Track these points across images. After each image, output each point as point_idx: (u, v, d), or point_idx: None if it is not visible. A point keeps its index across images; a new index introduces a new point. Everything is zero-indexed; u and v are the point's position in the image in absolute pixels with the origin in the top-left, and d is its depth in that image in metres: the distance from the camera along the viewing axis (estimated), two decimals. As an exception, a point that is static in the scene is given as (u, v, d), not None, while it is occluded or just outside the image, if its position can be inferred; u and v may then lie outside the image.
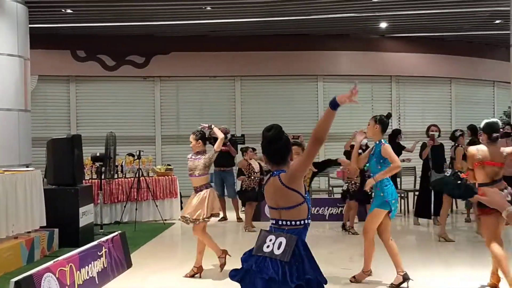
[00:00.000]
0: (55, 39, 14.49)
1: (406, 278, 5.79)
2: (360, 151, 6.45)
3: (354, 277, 6.13)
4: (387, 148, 5.77)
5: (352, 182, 9.29)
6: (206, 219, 6.33)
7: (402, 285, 5.80)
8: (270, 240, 3.19)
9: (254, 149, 10.15)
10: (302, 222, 3.22)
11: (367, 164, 6.10)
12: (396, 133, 10.81)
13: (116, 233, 6.47)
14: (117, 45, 14.77)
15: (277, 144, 3.27)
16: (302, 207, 3.20)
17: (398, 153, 10.81)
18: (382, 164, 5.80)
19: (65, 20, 13.16)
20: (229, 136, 10.92)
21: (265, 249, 3.18)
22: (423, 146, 9.63)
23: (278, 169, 3.28)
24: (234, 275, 3.31)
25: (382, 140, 5.91)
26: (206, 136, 6.78)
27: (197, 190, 6.41)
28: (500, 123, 6.01)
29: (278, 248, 3.13)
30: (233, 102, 15.50)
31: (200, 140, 6.51)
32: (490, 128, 5.57)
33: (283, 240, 3.15)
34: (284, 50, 15.19)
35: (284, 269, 3.08)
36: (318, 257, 3.26)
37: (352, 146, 10.10)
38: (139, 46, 14.88)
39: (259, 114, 15.30)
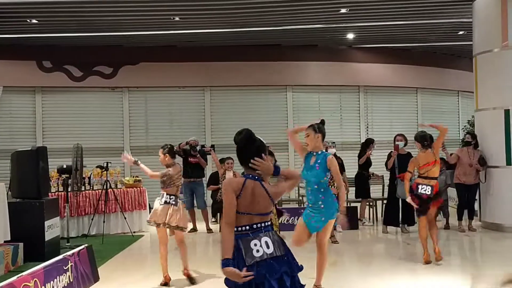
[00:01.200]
0: (21, 49, 14.26)
1: None
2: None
3: None
4: (333, 160, 5.63)
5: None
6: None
7: None
8: (255, 245, 3.23)
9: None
10: (270, 220, 3.42)
11: (304, 172, 5.75)
12: (369, 142, 10.97)
13: (82, 246, 6.35)
14: (84, 55, 14.61)
15: (247, 148, 3.36)
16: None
17: (369, 164, 11.00)
18: (320, 174, 5.63)
19: (30, 30, 12.96)
20: (198, 147, 10.88)
21: (256, 254, 3.21)
22: (389, 156, 9.78)
23: (253, 173, 3.35)
24: None
25: (324, 150, 5.80)
26: (175, 149, 6.76)
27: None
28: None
29: (268, 248, 3.24)
30: (202, 113, 15.46)
31: (167, 154, 6.49)
32: (421, 138, 7.25)
33: (267, 239, 3.26)
34: (253, 60, 15.28)
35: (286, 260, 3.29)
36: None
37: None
38: (107, 57, 14.75)
39: (229, 124, 15.29)
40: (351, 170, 14.08)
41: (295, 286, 3.30)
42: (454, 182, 10.06)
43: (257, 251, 3.21)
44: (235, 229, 3.26)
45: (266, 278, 3.16)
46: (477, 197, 10.49)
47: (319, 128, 5.68)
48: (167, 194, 6.42)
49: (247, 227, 3.27)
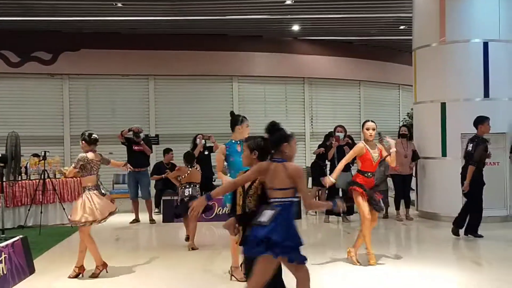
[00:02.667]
0: (-47, 32, 13.57)
1: None
2: None
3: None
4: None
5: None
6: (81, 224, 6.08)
7: None
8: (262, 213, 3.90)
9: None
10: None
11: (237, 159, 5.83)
12: (329, 135, 11.07)
13: (17, 237, 6.14)
14: (22, 40, 14.06)
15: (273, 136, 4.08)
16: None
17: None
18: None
19: (-37, 12, 12.34)
20: (142, 135, 10.70)
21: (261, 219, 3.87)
22: (324, 145, 10.02)
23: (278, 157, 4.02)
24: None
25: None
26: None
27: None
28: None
29: (263, 217, 3.86)
30: (146, 102, 15.22)
31: (83, 141, 6.26)
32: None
33: (270, 212, 3.87)
34: (199, 49, 15.14)
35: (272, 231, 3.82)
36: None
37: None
38: (46, 42, 14.26)
39: (174, 114, 15.15)
40: (295, 161, 14.20)
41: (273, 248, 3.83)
42: (389, 173, 10.36)
43: (259, 217, 3.88)
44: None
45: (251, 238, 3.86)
46: (414, 187, 10.86)
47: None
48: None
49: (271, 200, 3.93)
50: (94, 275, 6.20)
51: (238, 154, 5.74)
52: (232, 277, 5.92)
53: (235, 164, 5.79)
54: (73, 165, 6.28)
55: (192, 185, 8.01)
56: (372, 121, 6.79)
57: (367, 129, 6.66)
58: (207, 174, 10.42)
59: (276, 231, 3.82)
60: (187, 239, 8.10)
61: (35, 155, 10.16)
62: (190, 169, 8.08)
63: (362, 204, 6.59)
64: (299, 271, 4.11)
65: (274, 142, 4.10)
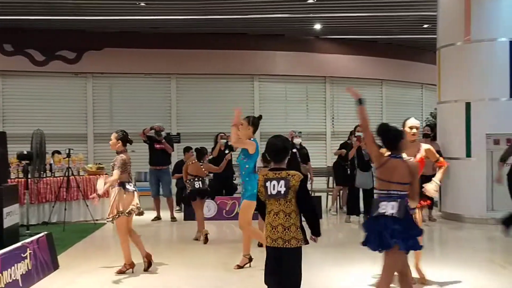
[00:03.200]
0: (-20, 32, 13.83)
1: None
2: None
3: (237, 264, 6.44)
4: (252, 145, 6.28)
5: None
6: (114, 218, 6.13)
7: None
8: (383, 204, 4.17)
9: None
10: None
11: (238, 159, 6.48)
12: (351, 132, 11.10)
13: (42, 234, 6.24)
14: (47, 39, 14.27)
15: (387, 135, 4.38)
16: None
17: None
18: (246, 156, 6.25)
19: (-10, 12, 12.56)
20: (164, 133, 10.78)
21: (380, 211, 4.18)
22: (348, 147, 9.96)
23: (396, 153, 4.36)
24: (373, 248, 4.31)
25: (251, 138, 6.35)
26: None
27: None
28: None
29: (392, 209, 4.14)
30: (168, 100, 15.31)
31: (120, 141, 6.32)
32: None
33: (395, 204, 4.14)
34: (220, 48, 15.18)
35: (400, 223, 4.12)
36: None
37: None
38: (71, 41, 14.44)
39: (195, 112, 15.22)
40: (316, 160, 14.21)
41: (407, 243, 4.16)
42: None
43: (382, 209, 4.15)
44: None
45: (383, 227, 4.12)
46: (437, 187, 10.72)
47: (253, 121, 6.46)
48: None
49: (385, 191, 4.23)
50: (119, 271, 6.26)
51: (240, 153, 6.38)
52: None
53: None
54: (118, 169, 6.12)
55: (200, 179, 8.48)
56: (415, 119, 5.92)
57: (410, 128, 5.77)
58: (227, 174, 10.45)
59: (409, 223, 4.21)
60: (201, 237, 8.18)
61: (56, 152, 10.30)
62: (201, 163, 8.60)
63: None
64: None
65: (392, 141, 4.35)
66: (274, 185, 3.96)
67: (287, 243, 3.97)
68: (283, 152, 4.11)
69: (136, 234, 6.46)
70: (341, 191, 11.29)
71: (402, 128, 4.46)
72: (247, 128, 6.35)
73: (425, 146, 5.84)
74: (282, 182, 3.94)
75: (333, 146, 14.32)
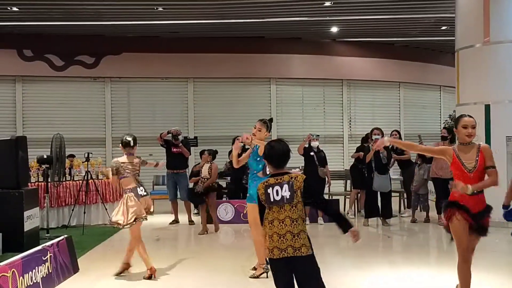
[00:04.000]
0: (1, 38, 14.05)
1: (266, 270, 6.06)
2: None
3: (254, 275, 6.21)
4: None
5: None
6: (125, 226, 6.18)
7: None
8: None
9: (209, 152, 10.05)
10: None
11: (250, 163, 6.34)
12: (366, 138, 11.08)
13: (62, 237, 6.30)
14: (66, 44, 14.45)
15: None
16: None
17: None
18: (259, 162, 6.13)
19: (11, 18, 12.77)
20: (181, 137, 10.82)
21: None
22: (365, 150, 9.92)
23: None
24: None
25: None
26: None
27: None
28: None
29: None
30: (185, 104, 15.39)
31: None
32: None
33: None
34: (237, 52, 15.23)
35: None
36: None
37: (305, 149, 10.25)
38: (89, 46, 14.60)
39: (212, 116, 15.28)
40: (334, 163, 14.16)
41: None
42: (431, 176, 10.17)
43: None
44: None
45: None
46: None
47: (267, 124, 6.42)
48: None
49: None
50: (148, 277, 6.28)
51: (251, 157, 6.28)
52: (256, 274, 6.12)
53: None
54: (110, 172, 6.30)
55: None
56: (470, 116, 4.92)
57: (464, 127, 4.85)
58: (239, 175, 10.51)
59: None
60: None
61: (71, 155, 10.41)
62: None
63: (460, 233, 4.82)
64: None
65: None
66: (277, 190, 3.72)
67: (297, 251, 3.67)
68: (287, 157, 3.90)
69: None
70: (358, 194, 11.23)
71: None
72: (265, 133, 6.37)
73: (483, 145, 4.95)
74: (285, 187, 3.72)
75: (351, 149, 14.26)
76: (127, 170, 6.25)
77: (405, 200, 11.57)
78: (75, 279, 6.19)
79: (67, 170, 10.13)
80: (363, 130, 15.18)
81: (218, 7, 12.13)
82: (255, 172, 6.21)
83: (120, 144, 6.40)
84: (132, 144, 6.32)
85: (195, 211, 11.37)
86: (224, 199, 11.35)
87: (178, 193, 10.72)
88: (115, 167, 6.21)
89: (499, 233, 9.14)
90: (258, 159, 6.13)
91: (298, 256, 3.67)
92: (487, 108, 9.74)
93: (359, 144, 11.42)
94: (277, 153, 3.87)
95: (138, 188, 6.30)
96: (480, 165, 4.76)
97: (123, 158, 6.32)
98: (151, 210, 6.53)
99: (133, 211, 6.15)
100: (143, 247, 6.35)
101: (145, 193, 6.37)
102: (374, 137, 9.75)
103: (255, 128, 6.34)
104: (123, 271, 6.39)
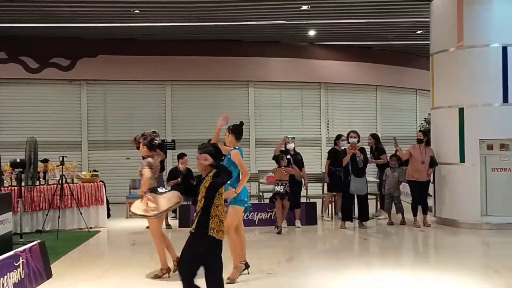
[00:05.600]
0: (-26, 39, 13.80)
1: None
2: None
3: (228, 277, 6.07)
4: (236, 155, 6.22)
5: (283, 183, 9.80)
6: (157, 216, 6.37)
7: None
8: None
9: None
10: None
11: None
12: (336, 139, 11.20)
13: (35, 242, 6.19)
14: (41, 47, 14.24)
15: None
16: None
17: (337, 158, 11.01)
18: (234, 169, 6.11)
19: (-16, 19, 12.53)
20: (159, 140, 10.71)
21: None
22: (341, 154, 10.01)
23: None
24: None
25: (236, 147, 6.36)
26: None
27: None
28: None
29: None
30: (163, 107, 15.29)
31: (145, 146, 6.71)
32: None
33: None
34: (215, 55, 15.19)
35: None
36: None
37: (281, 152, 10.28)
38: (65, 49, 14.42)
39: (190, 119, 15.21)
40: (311, 166, 14.22)
41: None
42: (406, 179, 10.28)
43: None
44: None
45: None
46: (431, 192, 10.76)
47: (233, 129, 6.49)
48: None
49: None
50: (156, 276, 6.40)
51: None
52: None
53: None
54: (148, 169, 6.42)
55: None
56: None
57: None
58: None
59: None
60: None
61: (45, 160, 10.26)
62: None
63: None
64: None
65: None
66: None
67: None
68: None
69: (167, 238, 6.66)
70: (334, 197, 11.31)
71: None
72: (227, 136, 6.47)
73: None
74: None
75: (328, 152, 14.30)
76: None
77: (379, 202, 11.66)
78: (48, 285, 6.09)
79: (41, 174, 9.97)
80: (341, 133, 15.29)
81: (195, 9, 12.09)
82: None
83: (145, 146, 6.62)
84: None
85: (173, 215, 11.30)
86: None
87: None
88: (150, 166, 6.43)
89: (473, 235, 9.31)
90: (232, 166, 6.12)
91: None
92: (461, 111, 9.89)
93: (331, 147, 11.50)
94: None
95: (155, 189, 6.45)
96: None
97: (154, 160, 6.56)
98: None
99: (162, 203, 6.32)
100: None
101: (163, 190, 6.58)
102: (350, 140, 9.82)
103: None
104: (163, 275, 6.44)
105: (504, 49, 9.64)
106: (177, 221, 10.66)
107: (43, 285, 6.03)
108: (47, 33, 13.86)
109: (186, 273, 4.39)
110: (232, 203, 6.25)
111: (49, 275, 6.30)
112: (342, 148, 10.44)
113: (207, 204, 4.41)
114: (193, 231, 4.44)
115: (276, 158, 10.10)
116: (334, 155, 10.77)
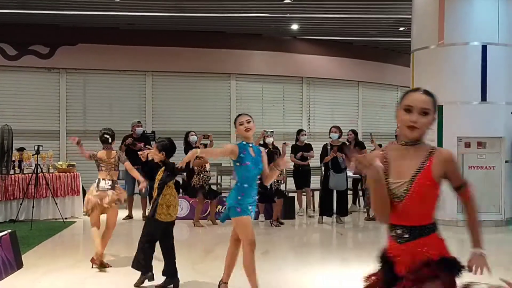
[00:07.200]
0: (-51, 24, 13.49)
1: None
2: None
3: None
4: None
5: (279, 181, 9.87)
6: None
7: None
8: None
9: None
10: None
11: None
12: (297, 133, 11.22)
13: (5, 232, 6.05)
14: (19, 33, 13.97)
15: None
16: None
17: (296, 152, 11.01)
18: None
19: (-40, 4, 12.25)
20: (140, 130, 10.70)
21: None
22: (324, 148, 9.99)
23: None
24: None
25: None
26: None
27: None
28: None
29: None
30: (143, 98, 15.14)
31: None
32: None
33: None
34: (197, 47, 15.05)
35: None
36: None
37: (260, 145, 10.23)
38: (44, 36, 14.16)
39: (171, 111, 15.08)
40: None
41: None
42: None
43: None
44: None
45: None
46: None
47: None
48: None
49: None
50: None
51: (251, 159, 5.09)
52: None
53: (248, 169, 5.05)
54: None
55: None
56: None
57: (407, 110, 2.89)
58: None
59: None
60: None
61: (21, 149, 10.10)
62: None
63: None
64: None
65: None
66: None
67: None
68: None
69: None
70: (313, 191, 11.33)
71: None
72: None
73: None
74: None
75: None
76: (101, 164, 6.58)
77: (360, 198, 11.68)
78: (20, 275, 5.95)
79: (16, 163, 9.81)
80: (322, 128, 15.32)
81: (177, 0, 11.96)
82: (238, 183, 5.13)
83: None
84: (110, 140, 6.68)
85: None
86: (180, 195, 11.23)
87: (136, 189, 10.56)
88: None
89: (448, 231, 9.36)
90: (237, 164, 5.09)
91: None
92: (440, 108, 9.89)
93: (325, 142, 11.29)
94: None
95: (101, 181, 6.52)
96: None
97: (100, 153, 6.62)
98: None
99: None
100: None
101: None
102: (332, 135, 9.83)
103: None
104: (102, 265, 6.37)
105: (484, 48, 9.70)
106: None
107: (14, 275, 5.88)
108: (26, 20, 13.61)
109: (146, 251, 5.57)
110: (232, 216, 5.02)
111: (19, 265, 6.15)
112: (304, 144, 10.62)
113: (158, 193, 5.46)
114: (148, 215, 5.58)
115: None
116: (296, 151, 10.80)
